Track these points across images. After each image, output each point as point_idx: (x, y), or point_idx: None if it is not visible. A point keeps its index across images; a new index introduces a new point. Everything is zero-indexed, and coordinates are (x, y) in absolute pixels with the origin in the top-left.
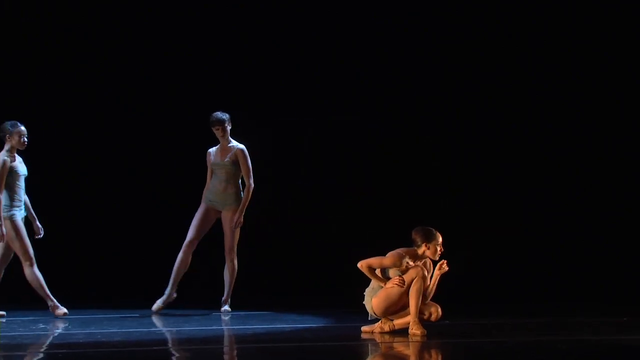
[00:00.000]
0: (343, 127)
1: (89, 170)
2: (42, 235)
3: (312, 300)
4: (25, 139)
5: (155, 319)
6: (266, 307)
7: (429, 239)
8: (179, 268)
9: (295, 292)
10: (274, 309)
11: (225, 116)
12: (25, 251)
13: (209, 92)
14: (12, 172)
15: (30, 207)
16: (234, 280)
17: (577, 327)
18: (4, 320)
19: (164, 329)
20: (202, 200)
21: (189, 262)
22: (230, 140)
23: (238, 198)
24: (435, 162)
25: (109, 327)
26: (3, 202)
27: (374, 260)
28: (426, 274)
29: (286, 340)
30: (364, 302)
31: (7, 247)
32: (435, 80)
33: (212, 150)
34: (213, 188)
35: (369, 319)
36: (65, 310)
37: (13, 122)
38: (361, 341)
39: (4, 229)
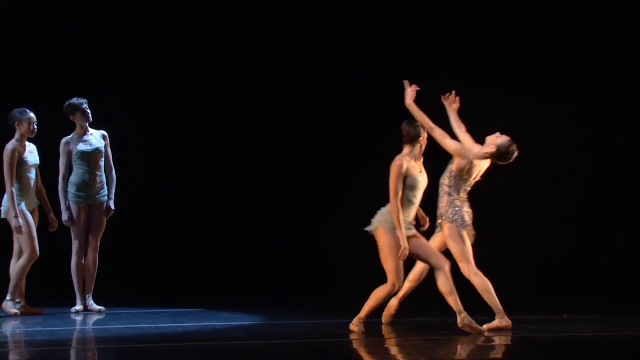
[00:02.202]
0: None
1: None
2: (55, 229)
3: (247, 298)
4: (35, 126)
5: (76, 317)
6: (197, 304)
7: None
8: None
9: (229, 290)
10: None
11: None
12: (29, 245)
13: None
14: (21, 162)
15: (45, 197)
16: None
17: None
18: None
19: (88, 327)
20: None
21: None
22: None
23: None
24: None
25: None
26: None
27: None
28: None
29: (220, 338)
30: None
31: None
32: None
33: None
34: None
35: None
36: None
37: (22, 109)
38: (291, 339)
39: (20, 220)
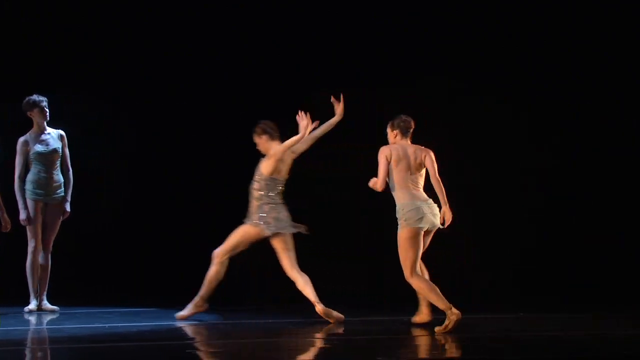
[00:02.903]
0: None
1: None
2: (8, 230)
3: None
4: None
5: (30, 317)
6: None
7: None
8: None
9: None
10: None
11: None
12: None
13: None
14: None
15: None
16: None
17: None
18: None
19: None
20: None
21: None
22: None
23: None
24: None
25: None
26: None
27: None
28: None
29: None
30: None
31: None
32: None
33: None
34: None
35: None
36: None
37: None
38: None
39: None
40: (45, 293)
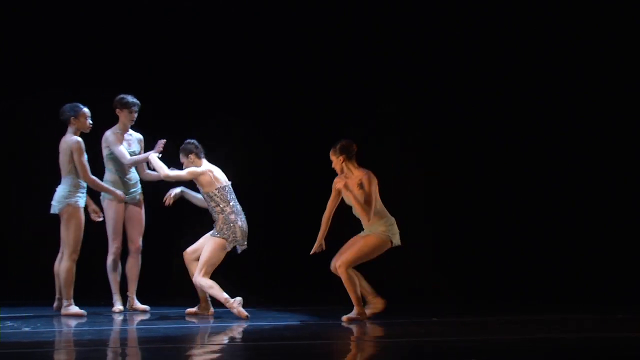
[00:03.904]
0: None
1: None
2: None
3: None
4: (91, 121)
5: (120, 317)
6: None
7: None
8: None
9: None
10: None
11: None
12: (77, 243)
13: None
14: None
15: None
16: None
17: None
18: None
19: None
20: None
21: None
22: None
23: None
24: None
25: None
26: (68, 187)
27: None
28: None
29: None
30: None
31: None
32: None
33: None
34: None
35: None
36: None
37: (76, 104)
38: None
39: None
40: (135, 292)
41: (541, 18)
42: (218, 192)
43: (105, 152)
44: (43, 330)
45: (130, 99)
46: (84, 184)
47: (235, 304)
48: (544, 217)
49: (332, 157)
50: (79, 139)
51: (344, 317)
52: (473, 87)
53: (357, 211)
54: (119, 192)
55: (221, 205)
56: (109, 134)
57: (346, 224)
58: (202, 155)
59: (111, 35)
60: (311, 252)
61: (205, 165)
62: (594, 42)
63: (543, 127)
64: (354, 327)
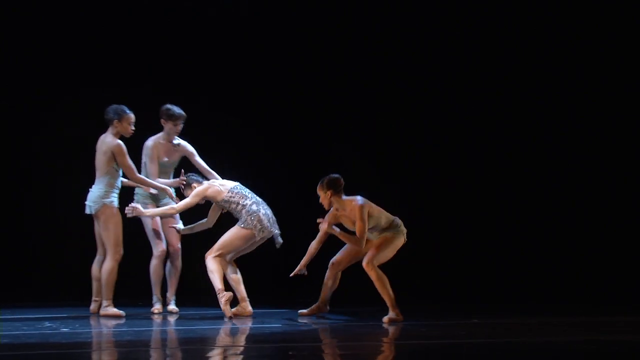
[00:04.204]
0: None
1: None
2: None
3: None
4: (133, 127)
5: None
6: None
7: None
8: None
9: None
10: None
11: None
12: (118, 243)
13: None
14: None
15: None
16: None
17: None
18: None
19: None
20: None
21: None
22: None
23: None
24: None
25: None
26: (104, 187)
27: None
28: None
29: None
30: None
31: None
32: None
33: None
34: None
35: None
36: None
37: (122, 107)
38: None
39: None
40: (174, 294)
41: (541, 18)
42: (231, 194)
43: (143, 158)
44: (81, 331)
45: (177, 111)
46: (119, 184)
47: (224, 299)
48: (560, 218)
49: (320, 193)
50: (120, 141)
51: (385, 319)
52: (475, 88)
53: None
54: (170, 190)
55: (241, 202)
56: (149, 144)
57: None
58: (202, 180)
59: (110, 35)
60: (291, 275)
61: (206, 183)
62: (594, 42)
63: (543, 128)
64: (394, 329)
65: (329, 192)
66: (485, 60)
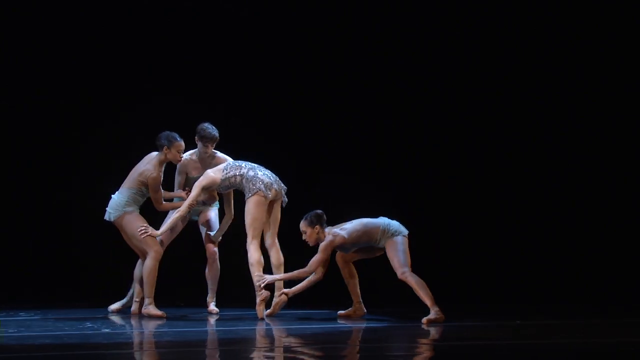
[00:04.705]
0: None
1: None
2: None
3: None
4: (182, 155)
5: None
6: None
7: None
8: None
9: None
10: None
11: None
12: (152, 241)
13: None
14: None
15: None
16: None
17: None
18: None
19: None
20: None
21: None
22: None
23: None
24: (427, 158)
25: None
26: (126, 198)
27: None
28: None
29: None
30: None
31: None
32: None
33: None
34: None
35: None
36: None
37: (173, 134)
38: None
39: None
40: (213, 297)
41: (541, 18)
42: (226, 172)
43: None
44: (122, 332)
45: (210, 133)
46: (143, 200)
47: (259, 298)
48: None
49: (307, 230)
50: (158, 174)
51: (424, 320)
52: (475, 88)
53: None
54: (182, 193)
55: (238, 174)
56: (182, 161)
57: None
58: None
59: (110, 35)
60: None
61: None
62: (594, 42)
63: (543, 128)
64: (435, 330)
65: (317, 228)
66: (485, 60)
